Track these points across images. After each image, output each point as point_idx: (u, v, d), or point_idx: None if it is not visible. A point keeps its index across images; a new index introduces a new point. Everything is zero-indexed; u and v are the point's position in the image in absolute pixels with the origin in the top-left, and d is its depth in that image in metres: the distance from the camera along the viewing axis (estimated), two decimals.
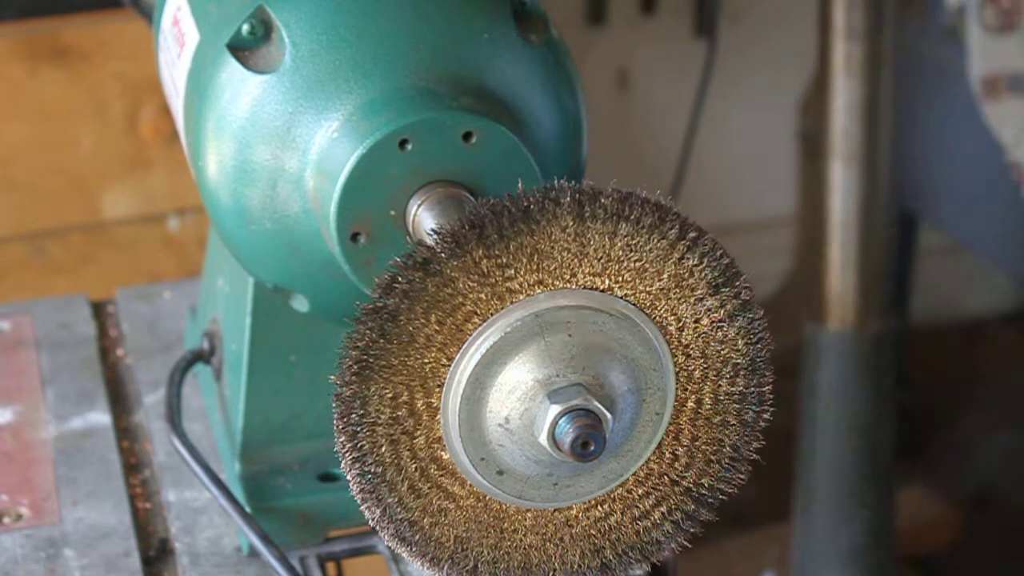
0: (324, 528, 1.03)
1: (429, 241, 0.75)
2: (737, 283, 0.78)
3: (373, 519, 0.80)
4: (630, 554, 0.83)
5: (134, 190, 2.02)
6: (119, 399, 1.19)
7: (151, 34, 1.07)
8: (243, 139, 0.90)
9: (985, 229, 2.53)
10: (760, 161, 2.86)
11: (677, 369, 0.79)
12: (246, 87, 0.90)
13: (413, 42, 0.88)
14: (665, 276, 0.77)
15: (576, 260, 0.76)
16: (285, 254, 0.91)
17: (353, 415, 0.77)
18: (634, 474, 0.81)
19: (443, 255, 0.74)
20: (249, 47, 0.90)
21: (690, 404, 0.80)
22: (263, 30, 0.90)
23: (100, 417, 1.16)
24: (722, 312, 0.79)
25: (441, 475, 0.79)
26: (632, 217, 0.75)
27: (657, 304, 0.78)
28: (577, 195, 0.75)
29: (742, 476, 0.83)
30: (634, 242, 0.76)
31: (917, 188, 2.59)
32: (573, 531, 0.82)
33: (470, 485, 0.80)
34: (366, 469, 0.78)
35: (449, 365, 0.76)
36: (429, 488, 0.79)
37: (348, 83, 0.88)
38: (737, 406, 0.81)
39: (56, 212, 2.00)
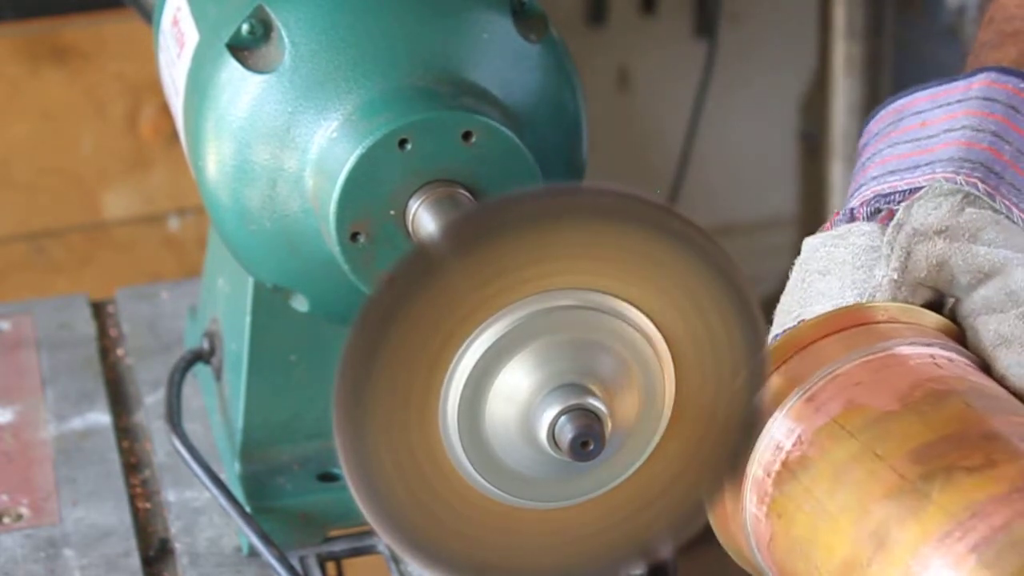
0: (324, 528, 1.03)
1: (428, 240, 0.75)
2: (737, 282, 0.78)
3: None
4: (630, 554, 0.83)
5: (134, 190, 2.02)
6: (119, 399, 1.19)
7: (151, 34, 1.07)
8: (243, 139, 0.90)
9: None
10: (760, 161, 2.86)
11: (677, 368, 0.79)
12: (246, 87, 0.90)
13: (413, 42, 0.88)
14: (665, 276, 0.77)
15: (576, 260, 0.76)
16: (285, 254, 0.91)
17: None
18: (634, 473, 0.81)
19: (442, 254, 0.74)
20: (249, 47, 0.90)
21: (690, 403, 0.80)
22: (263, 30, 0.90)
23: (100, 417, 1.16)
24: (722, 312, 0.78)
25: (440, 475, 0.79)
26: (632, 217, 0.75)
27: (657, 304, 0.77)
28: (577, 195, 0.75)
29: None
30: (634, 242, 0.76)
31: None
32: (572, 531, 0.82)
33: (469, 485, 0.79)
34: None
35: (448, 365, 0.76)
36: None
37: (348, 83, 0.88)
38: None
39: (56, 212, 2.00)
